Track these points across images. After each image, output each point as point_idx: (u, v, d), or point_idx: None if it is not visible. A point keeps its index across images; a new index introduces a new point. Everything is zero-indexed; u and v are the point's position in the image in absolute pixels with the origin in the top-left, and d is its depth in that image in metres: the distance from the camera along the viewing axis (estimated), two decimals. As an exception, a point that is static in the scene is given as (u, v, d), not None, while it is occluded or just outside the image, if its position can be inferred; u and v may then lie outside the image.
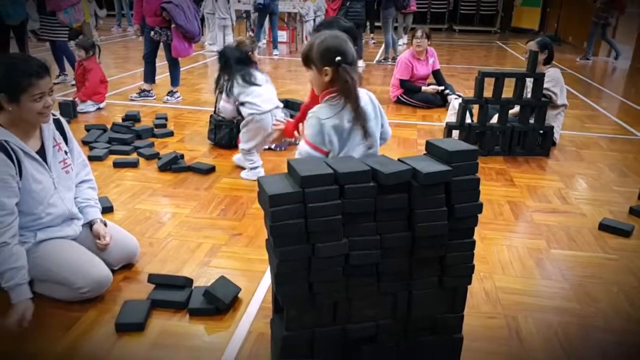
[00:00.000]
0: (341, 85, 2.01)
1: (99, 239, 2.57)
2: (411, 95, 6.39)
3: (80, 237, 2.57)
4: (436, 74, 6.56)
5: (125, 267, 2.71)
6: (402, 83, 6.43)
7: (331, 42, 2.04)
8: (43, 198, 2.37)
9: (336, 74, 2.01)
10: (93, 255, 2.49)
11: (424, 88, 6.39)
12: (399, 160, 1.87)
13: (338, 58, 1.99)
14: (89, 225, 2.62)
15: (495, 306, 2.49)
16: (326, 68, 2.02)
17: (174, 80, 6.36)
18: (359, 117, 2.03)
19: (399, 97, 6.47)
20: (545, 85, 4.56)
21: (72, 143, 2.60)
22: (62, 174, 2.47)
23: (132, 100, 6.33)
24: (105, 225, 2.65)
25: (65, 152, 2.51)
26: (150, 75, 6.40)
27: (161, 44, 6.13)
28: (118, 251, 2.63)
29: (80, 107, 5.72)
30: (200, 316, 2.35)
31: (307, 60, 2.09)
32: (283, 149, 4.68)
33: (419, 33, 6.33)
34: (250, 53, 4.18)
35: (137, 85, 6.79)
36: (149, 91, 6.44)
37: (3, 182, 2.20)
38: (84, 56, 5.79)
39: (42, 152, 2.39)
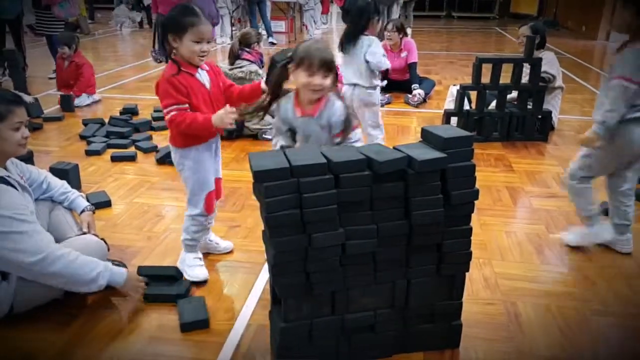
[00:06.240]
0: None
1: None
2: None
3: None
4: (410, 67, 6.16)
5: (124, 262, 2.69)
6: None
7: None
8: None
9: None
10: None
11: None
12: (394, 148, 1.86)
13: None
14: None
15: (494, 292, 2.48)
16: None
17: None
18: None
19: None
20: (542, 69, 4.53)
21: (30, 172, 2.52)
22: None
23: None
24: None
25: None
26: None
27: None
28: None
29: (77, 102, 5.70)
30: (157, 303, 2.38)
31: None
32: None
33: (389, 26, 6.08)
34: (255, 45, 4.48)
35: (136, 79, 6.74)
36: None
37: (32, 214, 2.18)
38: (67, 52, 5.74)
39: None
